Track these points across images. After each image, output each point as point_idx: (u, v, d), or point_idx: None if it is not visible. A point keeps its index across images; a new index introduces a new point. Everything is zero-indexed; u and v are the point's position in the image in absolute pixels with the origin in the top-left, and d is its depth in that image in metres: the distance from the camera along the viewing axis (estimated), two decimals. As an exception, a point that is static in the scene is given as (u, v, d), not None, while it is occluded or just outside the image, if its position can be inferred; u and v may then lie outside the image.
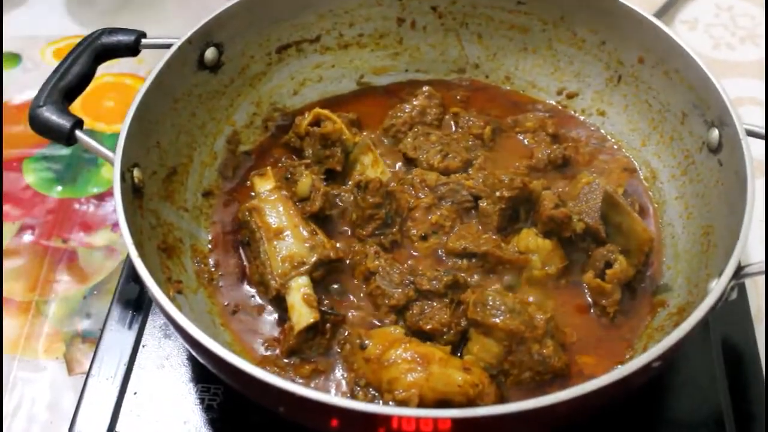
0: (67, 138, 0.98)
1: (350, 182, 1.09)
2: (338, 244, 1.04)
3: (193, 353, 0.91)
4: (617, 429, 0.96)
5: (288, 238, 1.01)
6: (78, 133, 0.98)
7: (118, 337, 1.05)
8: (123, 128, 0.97)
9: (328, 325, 0.97)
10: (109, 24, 1.51)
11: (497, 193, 1.03)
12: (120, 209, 0.91)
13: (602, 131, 1.20)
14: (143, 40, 1.07)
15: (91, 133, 1.34)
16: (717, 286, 0.85)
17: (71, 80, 1.02)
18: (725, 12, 1.57)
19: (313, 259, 0.99)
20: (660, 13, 1.52)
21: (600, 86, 1.21)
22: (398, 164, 1.14)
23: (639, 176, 1.15)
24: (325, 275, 1.01)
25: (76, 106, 1.06)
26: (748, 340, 1.07)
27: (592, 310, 1.01)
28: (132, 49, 1.07)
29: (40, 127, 0.99)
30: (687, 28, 1.54)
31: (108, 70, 1.39)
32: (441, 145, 1.13)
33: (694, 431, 0.97)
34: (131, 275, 1.12)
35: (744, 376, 1.03)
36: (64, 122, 0.98)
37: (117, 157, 0.94)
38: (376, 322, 0.98)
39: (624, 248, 1.02)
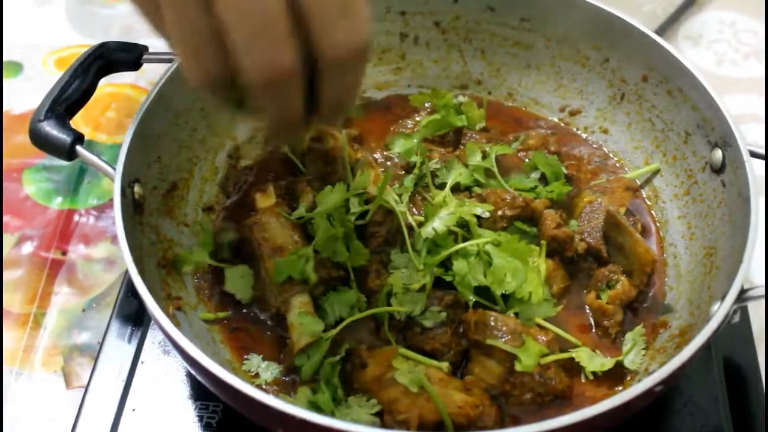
0: (67, 153, 0.98)
1: (352, 199, 1.08)
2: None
3: (192, 372, 0.90)
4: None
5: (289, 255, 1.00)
6: (79, 148, 0.98)
7: (117, 352, 1.04)
8: (124, 144, 0.97)
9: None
10: (111, 32, 1.52)
11: (499, 212, 1.03)
12: (120, 226, 0.90)
13: (605, 149, 1.20)
14: (145, 55, 1.07)
15: (92, 145, 1.34)
16: (720, 310, 0.85)
17: (72, 95, 1.02)
18: (728, 27, 1.56)
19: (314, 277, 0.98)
20: (662, 29, 1.52)
21: (603, 104, 1.20)
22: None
23: (641, 195, 1.15)
24: (326, 293, 1.00)
25: (77, 117, 1.05)
26: (750, 361, 1.06)
27: (593, 331, 1.01)
28: (134, 64, 1.07)
29: (41, 141, 0.99)
30: (690, 44, 1.53)
31: (109, 80, 1.38)
32: (443, 162, 1.12)
33: (696, 453, 0.97)
34: (131, 290, 1.11)
35: (746, 397, 1.03)
36: (65, 137, 0.98)
37: (117, 174, 0.94)
38: (377, 342, 0.98)
39: (626, 268, 1.02)
